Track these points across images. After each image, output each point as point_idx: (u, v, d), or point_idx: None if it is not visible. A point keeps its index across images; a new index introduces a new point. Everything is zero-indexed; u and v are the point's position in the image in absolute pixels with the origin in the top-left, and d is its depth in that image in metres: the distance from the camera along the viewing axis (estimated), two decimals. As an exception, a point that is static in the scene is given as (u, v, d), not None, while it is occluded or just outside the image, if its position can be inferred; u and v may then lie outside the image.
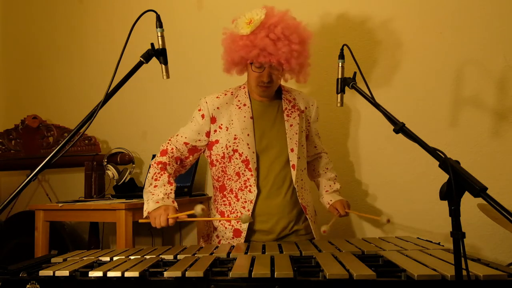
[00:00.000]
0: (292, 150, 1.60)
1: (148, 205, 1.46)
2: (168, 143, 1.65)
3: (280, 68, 1.54)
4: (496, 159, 1.91)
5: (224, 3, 2.52)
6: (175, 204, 1.47)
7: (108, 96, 1.22)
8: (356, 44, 2.13)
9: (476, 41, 1.94)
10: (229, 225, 1.58)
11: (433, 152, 0.97)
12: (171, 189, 1.50)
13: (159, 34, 1.29)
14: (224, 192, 1.60)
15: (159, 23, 1.28)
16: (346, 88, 1.39)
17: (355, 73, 1.37)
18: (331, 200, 1.73)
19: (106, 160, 2.57)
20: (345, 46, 1.42)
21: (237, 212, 1.56)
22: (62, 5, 3.12)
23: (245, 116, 1.60)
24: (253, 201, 1.55)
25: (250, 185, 1.55)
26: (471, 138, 1.95)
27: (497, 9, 1.91)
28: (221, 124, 1.60)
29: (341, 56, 1.43)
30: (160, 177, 1.52)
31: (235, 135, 1.58)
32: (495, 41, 1.92)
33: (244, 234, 1.55)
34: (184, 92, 2.63)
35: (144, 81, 2.58)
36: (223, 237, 1.59)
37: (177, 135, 1.66)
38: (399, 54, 2.09)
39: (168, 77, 1.32)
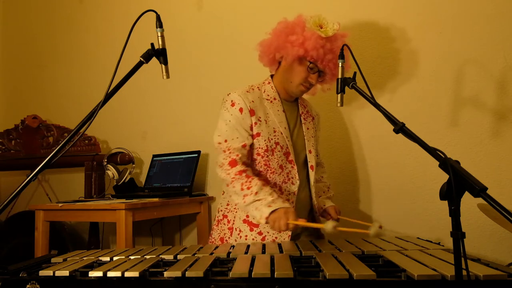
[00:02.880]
0: (310, 151, 1.65)
1: (262, 212, 1.38)
2: (229, 152, 1.51)
3: (325, 80, 1.62)
4: (496, 159, 1.90)
5: (224, 3, 2.52)
6: (287, 203, 1.42)
7: (108, 96, 1.22)
8: (356, 44, 2.12)
9: (476, 41, 1.94)
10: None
11: (433, 152, 0.97)
12: (271, 189, 1.47)
13: (159, 34, 1.29)
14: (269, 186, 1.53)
15: (159, 23, 1.28)
16: (346, 88, 1.39)
17: (355, 73, 1.37)
18: (324, 205, 1.73)
19: (106, 160, 2.57)
20: (345, 46, 1.42)
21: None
22: (62, 5, 3.12)
23: (278, 110, 1.62)
24: (296, 193, 1.57)
25: (293, 177, 1.58)
26: (471, 138, 1.94)
27: (497, 9, 1.91)
28: (260, 117, 1.56)
29: (341, 56, 1.43)
30: (251, 183, 1.45)
31: (274, 128, 1.58)
32: (495, 41, 1.91)
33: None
34: (184, 92, 2.63)
35: (144, 81, 2.59)
36: (246, 236, 1.56)
37: (226, 142, 1.53)
38: (399, 54, 2.09)
39: (168, 77, 1.32)
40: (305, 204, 1.66)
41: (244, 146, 1.53)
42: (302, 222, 1.34)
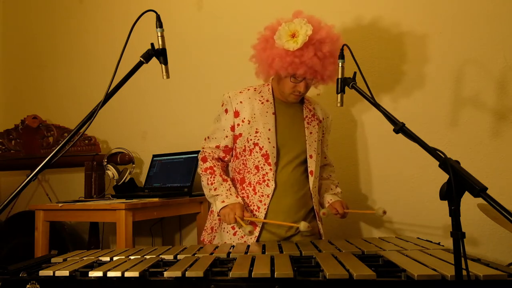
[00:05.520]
0: (311, 156, 1.63)
1: (217, 207, 1.54)
2: (203, 150, 1.68)
3: (319, 81, 1.57)
4: (496, 159, 1.90)
5: (224, 3, 2.52)
6: (239, 199, 1.55)
7: (108, 96, 1.22)
8: (356, 44, 2.12)
9: (476, 41, 1.94)
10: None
11: (433, 152, 0.97)
12: (229, 185, 1.59)
13: (159, 34, 1.29)
14: (243, 185, 1.62)
15: (159, 23, 1.28)
16: (346, 88, 1.39)
17: (355, 73, 1.37)
18: (331, 200, 1.73)
19: (106, 160, 2.57)
20: (345, 46, 1.42)
21: (254, 205, 1.57)
22: (62, 5, 3.12)
23: (267, 112, 1.61)
24: (270, 196, 1.56)
25: (268, 179, 1.57)
26: (471, 138, 1.94)
27: (497, 9, 1.91)
28: (244, 118, 1.60)
29: (341, 56, 1.43)
30: (214, 179, 1.60)
31: (256, 128, 1.59)
32: (495, 41, 1.91)
33: (259, 228, 1.56)
34: (184, 92, 2.63)
35: (144, 81, 2.59)
36: (239, 229, 1.59)
37: (208, 138, 1.68)
38: (399, 54, 2.09)
39: (168, 77, 1.32)
40: (298, 207, 1.60)
41: (217, 147, 1.66)
42: (247, 217, 1.49)
